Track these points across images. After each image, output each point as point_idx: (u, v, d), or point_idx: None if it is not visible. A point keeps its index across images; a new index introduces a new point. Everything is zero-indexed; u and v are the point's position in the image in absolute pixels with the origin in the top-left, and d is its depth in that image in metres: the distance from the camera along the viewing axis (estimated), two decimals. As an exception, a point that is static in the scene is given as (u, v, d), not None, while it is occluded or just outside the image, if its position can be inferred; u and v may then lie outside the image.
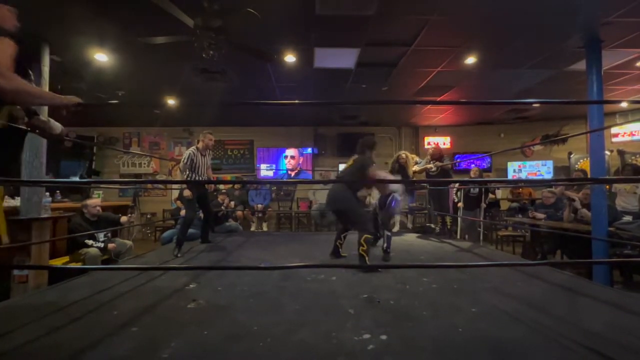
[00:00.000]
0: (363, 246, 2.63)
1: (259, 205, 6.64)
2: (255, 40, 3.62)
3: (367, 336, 1.47)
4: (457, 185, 5.30)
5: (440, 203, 4.98)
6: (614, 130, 6.87)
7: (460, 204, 5.21)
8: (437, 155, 4.96)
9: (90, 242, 3.57)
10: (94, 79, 4.56)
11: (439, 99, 5.84)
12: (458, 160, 7.53)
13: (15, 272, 2.99)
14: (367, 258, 2.64)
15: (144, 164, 7.83)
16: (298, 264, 1.89)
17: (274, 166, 7.85)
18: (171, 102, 5.67)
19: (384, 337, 1.46)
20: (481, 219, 5.14)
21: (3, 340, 1.41)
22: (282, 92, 5.52)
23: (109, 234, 3.87)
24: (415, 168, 4.83)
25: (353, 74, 4.71)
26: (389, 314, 1.74)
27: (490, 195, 6.57)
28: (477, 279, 2.37)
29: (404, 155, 4.91)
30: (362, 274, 2.53)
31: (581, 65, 4.03)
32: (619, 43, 3.71)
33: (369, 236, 2.68)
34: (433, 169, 4.77)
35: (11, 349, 1.34)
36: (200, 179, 3.61)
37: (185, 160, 3.50)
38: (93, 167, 7.43)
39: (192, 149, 3.58)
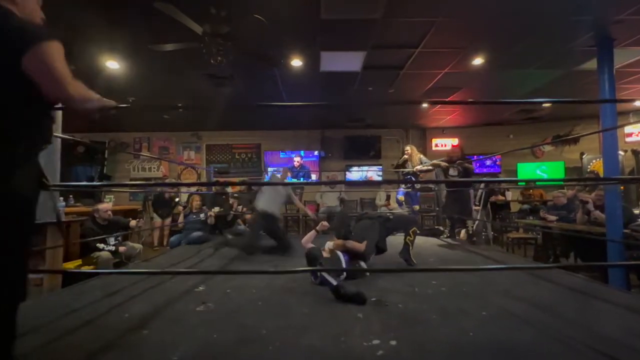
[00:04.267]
0: (411, 237, 2.88)
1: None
2: (262, 46, 3.66)
3: (376, 341, 1.46)
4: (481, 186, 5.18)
5: (461, 206, 4.47)
6: (627, 129, 6.72)
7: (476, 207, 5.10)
8: (457, 156, 4.48)
9: (101, 246, 3.64)
10: (105, 85, 4.67)
11: (446, 100, 5.80)
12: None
13: (31, 275, 3.06)
14: (411, 247, 2.88)
15: (154, 168, 7.96)
16: (305, 268, 1.89)
17: (281, 169, 7.88)
18: (180, 106, 5.76)
19: (393, 342, 1.45)
20: (478, 219, 4.97)
21: (18, 342, 1.44)
22: (289, 95, 5.56)
23: (120, 238, 3.94)
24: (420, 167, 4.80)
25: (359, 76, 4.72)
26: (397, 318, 1.73)
27: (500, 197, 6.48)
28: (487, 282, 2.33)
29: (408, 149, 4.96)
30: (369, 277, 2.52)
31: (592, 64, 3.96)
32: (631, 41, 3.63)
33: (416, 230, 3.00)
34: (452, 171, 4.37)
35: (26, 351, 1.37)
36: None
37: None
38: (104, 171, 7.59)
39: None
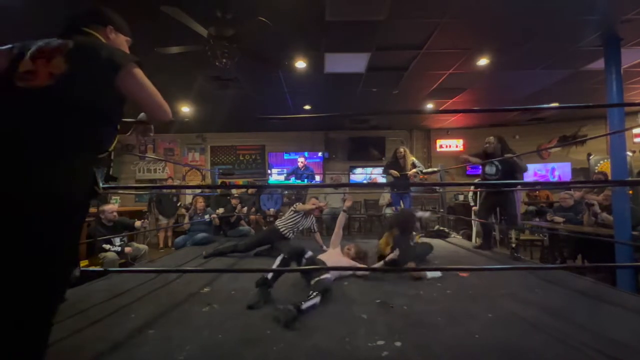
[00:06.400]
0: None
1: (271, 210, 6.69)
2: (266, 48, 3.68)
3: (380, 342, 1.46)
4: (472, 188, 5.20)
5: (508, 211, 3.70)
6: (635, 130, 6.63)
7: (475, 208, 5.11)
8: (493, 148, 3.73)
9: (107, 246, 3.67)
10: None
11: (451, 101, 5.79)
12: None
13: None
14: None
15: (159, 169, 8.03)
16: (309, 267, 1.89)
17: (285, 170, 7.91)
18: (186, 109, 5.81)
19: (398, 343, 1.45)
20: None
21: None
22: (293, 97, 5.58)
23: (126, 238, 3.97)
24: (426, 170, 4.76)
25: (364, 78, 4.72)
26: (402, 320, 1.72)
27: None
28: (493, 285, 2.31)
29: (402, 150, 4.94)
30: (373, 279, 2.51)
31: (599, 65, 3.92)
32: (638, 41, 3.59)
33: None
34: (489, 169, 3.62)
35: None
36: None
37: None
38: (111, 173, 7.65)
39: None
